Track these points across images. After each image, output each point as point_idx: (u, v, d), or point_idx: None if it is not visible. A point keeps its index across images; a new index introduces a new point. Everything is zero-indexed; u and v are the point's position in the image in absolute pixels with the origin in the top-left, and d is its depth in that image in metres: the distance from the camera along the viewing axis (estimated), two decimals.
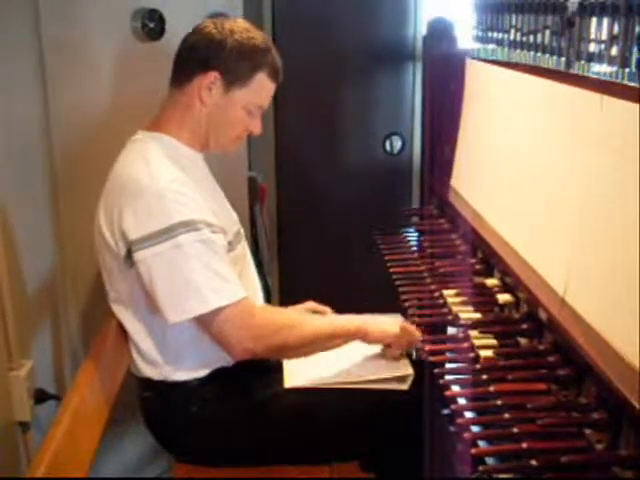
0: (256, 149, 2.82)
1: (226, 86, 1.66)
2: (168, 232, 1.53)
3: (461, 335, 1.55)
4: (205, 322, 1.59)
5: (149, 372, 1.71)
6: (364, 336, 1.73)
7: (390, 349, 1.77)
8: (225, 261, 1.61)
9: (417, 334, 1.70)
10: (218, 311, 1.56)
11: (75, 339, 2.12)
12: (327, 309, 1.99)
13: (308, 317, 1.78)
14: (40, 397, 1.90)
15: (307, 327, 1.68)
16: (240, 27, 1.68)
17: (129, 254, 1.58)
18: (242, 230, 1.87)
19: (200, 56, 1.66)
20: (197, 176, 1.70)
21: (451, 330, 1.71)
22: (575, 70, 1.59)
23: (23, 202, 1.89)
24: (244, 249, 1.84)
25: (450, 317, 1.61)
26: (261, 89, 1.70)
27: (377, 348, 1.82)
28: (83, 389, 1.55)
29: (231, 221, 1.79)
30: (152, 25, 2.15)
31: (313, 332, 1.68)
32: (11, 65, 1.82)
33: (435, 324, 1.71)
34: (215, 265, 1.57)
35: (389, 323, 1.77)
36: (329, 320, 1.78)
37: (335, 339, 1.71)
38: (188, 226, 1.54)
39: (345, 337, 1.72)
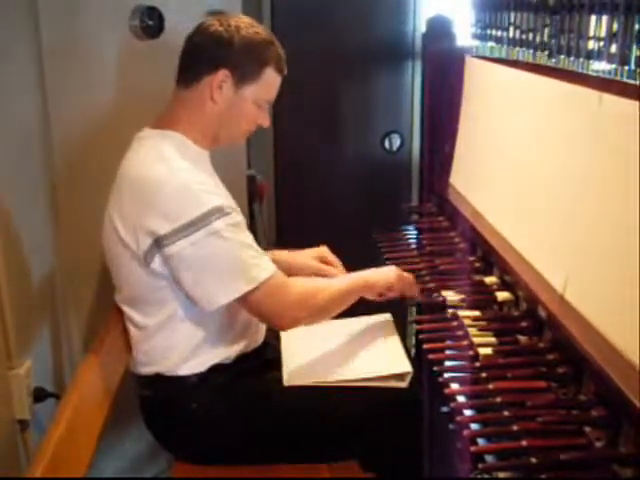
0: (255, 147, 2.82)
1: (237, 83, 1.66)
2: (201, 221, 1.54)
3: (460, 332, 1.55)
4: (248, 299, 1.62)
5: (148, 370, 1.71)
6: (372, 287, 1.82)
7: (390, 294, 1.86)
8: (253, 239, 1.66)
9: (410, 277, 1.85)
10: (260, 285, 1.60)
11: (74, 337, 2.12)
12: (336, 261, 2.04)
13: (325, 280, 1.86)
14: (39, 395, 1.89)
15: (331, 288, 1.75)
16: (245, 23, 1.68)
17: (157, 248, 1.58)
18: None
19: (209, 55, 1.66)
20: (205, 171, 1.71)
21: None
22: (574, 67, 1.59)
23: (23, 201, 1.88)
24: None
25: (454, 323, 1.62)
26: (270, 83, 1.71)
27: (377, 345, 1.82)
28: (82, 387, 1.55)
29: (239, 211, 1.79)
30: (151, 23, 2.14)
31: (337, 292, 1.75)
32: (10, 64, 1.82)
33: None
34: (250, 243, 1.62)
35: (385, 272, 1.85)
36: (342, 280, 1.83)
37: (352, 295, 1.79)
38: (219, 212, 1.56)
39: (358, 292, 1.81)
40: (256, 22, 1.72)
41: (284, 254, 2.01)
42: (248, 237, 1.63)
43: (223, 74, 1.64)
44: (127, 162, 1.67)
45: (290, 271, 1.81)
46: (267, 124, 1.77)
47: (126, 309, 1.73)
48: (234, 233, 1.58)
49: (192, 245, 1.55)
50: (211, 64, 1.65)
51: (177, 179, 1.57)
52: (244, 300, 1.62)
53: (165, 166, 1.59)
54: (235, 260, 1.59)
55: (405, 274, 1.85)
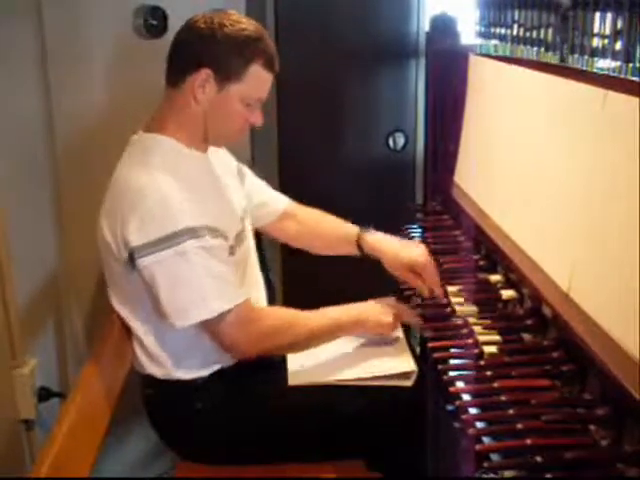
0: (258, 146, 2.82)
1: (220, 82, 1.62)
2: (171, 239, 1.52)
3: (465, 331, 1.55)
4: (209, 326, 1.60)
5: (152, 369, 1.71)
6: (362, 328, 1.78)
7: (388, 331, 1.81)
8: (227, 263, 1.62)
9: (411, 315, 1.77)
10: (221, 315, 1.57)
11: (78, 337, 2.12)
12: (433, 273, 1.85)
13: (307, 314, 1.75)
14: (44, 395, 1.90)
15: (306, 326, 1.70)
16: (230, 19, 1.62)
17: (131, 260, 1.57)
18: (248, 227, 1.87)
19: (191, 53, 1.62)
20: (199, 178, 1.68)
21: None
22: (579, 65, 1.58)
23: (26, 202, 1.89)
24: (246, 252, 1.83)
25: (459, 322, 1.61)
26: (257, 81, 1.65)
27: (381, 344, 1.82)
28: (86, 387, 1.55)
29: (234, 223, 1.76)
30: (155, 22, 2.14)
31: (312, 330, 1.70)
32: (13, 63, 1.82)
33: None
34: (217, 269, 1.57)
35: (383, 311, 1.79)
36: (328, 315, 1.75)
37: (335, 333, 1.75)
38: (191, 233, 1.53)
39: (345, 331, 1.77)
40: (247, 18, 1.67)
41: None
42: (219, 264, 1.58)
43: (205, 73, 1.60)
44: (117, 168, 1.66)
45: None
46: (259, 123, 1.72)
47: (120, 312, 1.71)
48: (202, 258, 1.55)
49: (158, 263, 1.54)
50: (193, 63, 1.61)
51: (157, 193, 1.55)
52: (204, 327, 1.61)
53: (148, 177, 1.57)
54: (196, 286, 1.56)
55: (404, 309, 1.80)
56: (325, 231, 2.04)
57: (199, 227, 1.55)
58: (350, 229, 1.99)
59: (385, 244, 1.91)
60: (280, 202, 2.05)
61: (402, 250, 1.87)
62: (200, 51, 1.61)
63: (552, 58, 1.69)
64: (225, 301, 1.57)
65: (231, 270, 1.63)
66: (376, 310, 1.79)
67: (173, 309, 1.57)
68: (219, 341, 1.63)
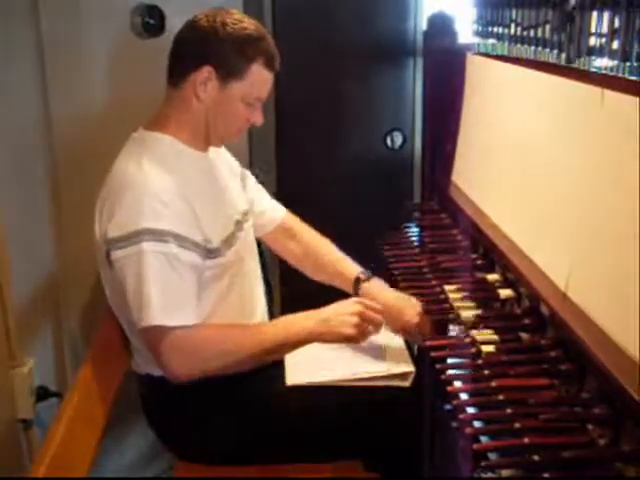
0: (257, 145, 2.81)
1: (222, 80, 1.62)
2: (136, 236, 1.51)
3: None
4: (145, 336, 1.57)
5: (149, 369, 1.71)
6: (318, 340, 1.67)
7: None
8: (186, 282, 1.57)
9: (377, 317, 1.67)
10: (160, 329, 1.53)
11: (76, 337, 2.12)
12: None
13: (253, 329, 1.70)
14: (42, 394, 1.90)
15: (247, 348, 1.62)
16: (232, 18, 1.63)
17: (108, 253, 1.57)
18: (249, 230, 1.85)
19: (193, 51, 1.63)
20: (194, 177, 1.67)
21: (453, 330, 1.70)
22: (576, 64, 1.58)
23: (23, 201, 1.89)
24: (240, 254, 1.77)
25: (452, 316, 1.61)
26: (258, 80, 1.65)
27: (379, 344, 1.82)
28: (84, 387, 1.55)
29: (223, 225, 1.72)
30: (152, 21, 2.14)
31: (254, 351, 1.62)
32: (10, 62, 1.82)
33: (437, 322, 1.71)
34: (170, 284, 1.53)
35: (345, 322, 1.64)
36: (277, 330, 1.67)
37: (285, 348, 1.68)
38: (155, 234, 1.51)
39: (296, 345, 1.67)
40: (248, 18, 1.67)
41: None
42: (172, 275, 1.53)
43: (207, 70, 1.61)
44: (115, 162, 1.66)
45: None
46: (260, 122, 1.72)
47: (115, 309, 1.71)
48: (158, 262, 1.51)
49: (124, 258, 1.52)
50: (195, 61, 1.61)
51: (138, 190, 1.54)
52: (142, 334, 1.57)
53: (136, 173, 1.57)
54: (142, 291, 1.51)
55: (370, 315, 1.66)
56: (326, 263, 1.99)
57: (163, 231, 1.52)
58: (350, 268, 1.93)
59: (380, 297, 1.82)
60: (278, 212, 2.05)
61: (396, 309, 1.79)
62: (202, 49, 1.61)
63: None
64: (165, 317, 1.52)
65: (189, 288, 1.58)
66: (338, 311, 1.67)
67: (131, 305, 1.55)
68: (152, 354, 1.58)
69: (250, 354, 1.62)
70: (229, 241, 1.73)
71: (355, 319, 1.64)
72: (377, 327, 1.69)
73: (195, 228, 1.60)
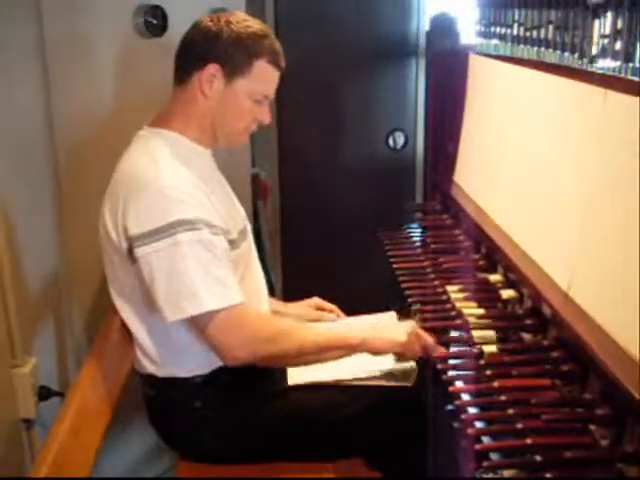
0: (259, 145, 2.82)
1: (227, 77, 1.64)
2: (168, 229, 1.52)
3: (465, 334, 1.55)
4: (198, 324, 1.58)
5: (152, 369, 1.71)
6: (368, 349, 1.68)
7: (401, 356, 1.71)
8: (224, 264, 1.59)
9: (429, 339, 1.60)
10: (212, 314, 1.54)
11: (79, 336, 2.12)
12: (333, 307, 1.99)
13: (307, 327, 1.72)
14: (44, 394, 1.90)
15: (301, 338, 1.64)
16: (237, 18, 1.66)
17: (130, 250, 1.57)
18: (249, 226, 1.86)
19: (198, 50, 1.64)
20: (203, 173, 1.68)
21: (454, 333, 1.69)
22: (578, 65, 1.58)
23: (26, 200, 1.89)
24: (250, 247, 1.83)
25: (458, 321, 1.61)
26: (264, 77, 1.67)
27: None
28: (86, 386, 1.55)
29: (237, 219, 1.77)
30: (155, 21, 2.14)
31: (308, 343, 1.64)
32: (13, 62, 1.82)
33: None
34: (212, 267, 1.55)
35: (397, 330, 1.69)
36: (330, 331, 1.71)
37: (333, 351, 1.66)
38: (188, 224, 1.52)
39: (347, 350, 1.68)
40: (252, 18, 1.70)
41: (279, 305, 1.98)
42: (215, 261, 1.55)
43: (213, 68, 1.62)
44: (122, 160, 1.66)
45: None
46: (267, 121, 1.73)
47: (119, 307, 1.71)
48: (197, 251, 1.53)
49: (155, 252, 1.52)
50: (201, 59, 1.63)
51: (159, 183, 1.54)
52: (194, 323, 1.58)
53: (152, 167, 1.58)
54: (188, 280, 1.52)
55: (422, 333, 1.62)
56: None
57: (195, 220, 1.53)
58: None
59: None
60: None
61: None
62: (207, 47, 1.63)
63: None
64: (216, 300, 1.54)
65: (228, 270, 1.59)
66: (389, 329, 1.71)
67: (165, 301, 1.55)
68: (208, 343, 1.60)
69: (301, 344, 1.62)
70: (243, 233, 1.76)
71: (407, 330, 1.66)
72: (424, 348, 1.61)
73: (217, 218, 1.61)
